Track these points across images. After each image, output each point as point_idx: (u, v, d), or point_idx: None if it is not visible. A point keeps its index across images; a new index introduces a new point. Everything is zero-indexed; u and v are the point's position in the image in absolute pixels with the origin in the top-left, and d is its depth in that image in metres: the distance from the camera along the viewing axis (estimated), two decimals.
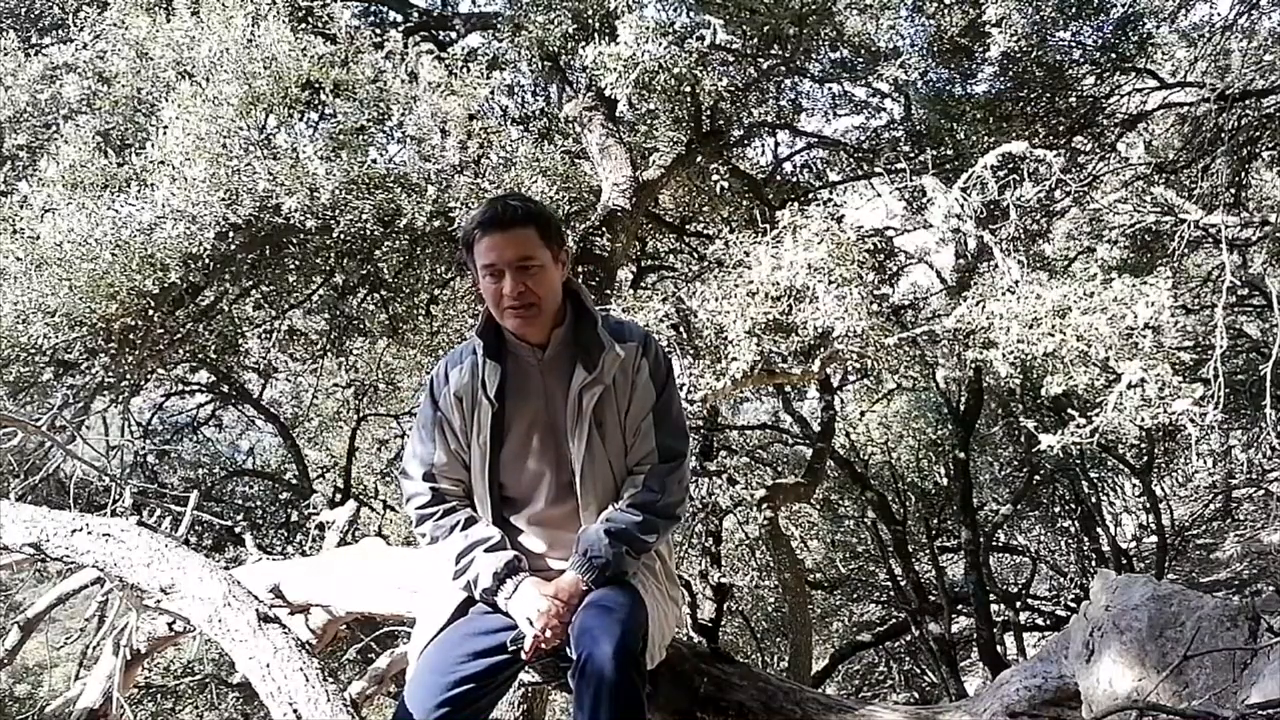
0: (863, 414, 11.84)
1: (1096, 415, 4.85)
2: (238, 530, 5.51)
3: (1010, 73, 6.64)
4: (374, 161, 5.37)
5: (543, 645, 2.02)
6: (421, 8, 7.78)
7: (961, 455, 10.32)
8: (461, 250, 2.15)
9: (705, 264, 6.97)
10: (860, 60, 7.04)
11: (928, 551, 11.78)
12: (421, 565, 2.87)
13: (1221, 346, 5.33)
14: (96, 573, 3.26)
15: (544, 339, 2.14)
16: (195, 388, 8.37)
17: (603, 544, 2.08)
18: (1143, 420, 4.65)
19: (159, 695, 6.85)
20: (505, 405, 2.14)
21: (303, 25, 5.27)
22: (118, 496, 4.29)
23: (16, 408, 4.80)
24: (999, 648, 10.66)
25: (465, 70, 5.18)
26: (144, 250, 4.42)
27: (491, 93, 5.64)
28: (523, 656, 2.03)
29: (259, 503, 9.46)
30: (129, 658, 3.61)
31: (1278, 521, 12.09)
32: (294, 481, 9.03)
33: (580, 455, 2.12)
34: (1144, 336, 4.54)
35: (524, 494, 2.19)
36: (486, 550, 2.11)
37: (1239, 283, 7.68)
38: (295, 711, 2.07)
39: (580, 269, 5.56)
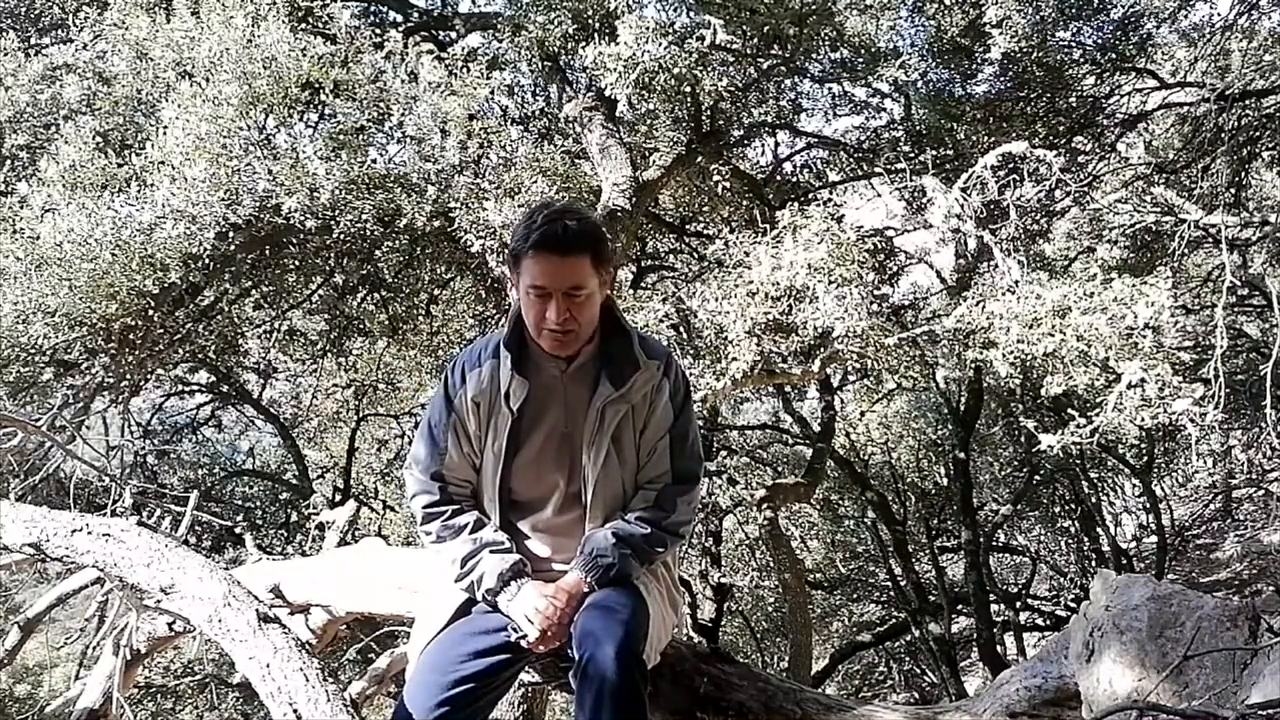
0: (863, 414, 11.84)
1: (1096, 415, 4.85)
2: (238, 530, 5.51)
3: (1010, 73, 6.64)
4: (374, 161, 5.37)
5: (542, 645, 2.02)
6: (421, 8, 7.77)
7: (961, 455, 10.32)
8: (506, 258, 2.11)
9: (705, 264, 6.98)
10: (860, 60, 7.03)
11: (928, 551, 11.78)
12: (421, 565, 2.88)
13: (1221, 346, 5.32)
14: (96, 573, 3.26)
15: (574, 352, 2.12)
16: (195, 388, 8.38)
17: (609, 545, 2.08)
18: (1143, 420, 4.65)
19: (159, 695, 6.84)
20: (524, 414, 2.12)
21: (303, 25, 5.27)
22: (118, 496, 4.29)
23: (16, 408, 4.80)
24: (999, 648, 10.66)
25: (465, 70, 5.17)
26: (144, 250, 4.41)
27: (491, 93, 5.63)
28: (524, 645, 2.02)
29: (259, 503, 9.47)
30: (129, 658, 3.61)
31: (1278, 521, 12.09)
32: (294, 481, 9.04)
33: (595, 468, 2.11)
34: (1144, 336, 4.54)
35: (532, 500, 2.19)
36: (493, 552, 2.10)
37: (1239, 283, 7.68)
38: (295, 711, 2.07)
39: None
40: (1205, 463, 13.66)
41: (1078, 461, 10.70)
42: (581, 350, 2.11)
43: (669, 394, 2.15)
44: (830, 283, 4.97)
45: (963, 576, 11.24)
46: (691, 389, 2.34)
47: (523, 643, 2.03)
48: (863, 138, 8.14)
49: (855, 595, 12.91)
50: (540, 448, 2.14)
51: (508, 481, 2.16)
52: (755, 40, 6.53)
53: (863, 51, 6.95)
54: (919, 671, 12.30)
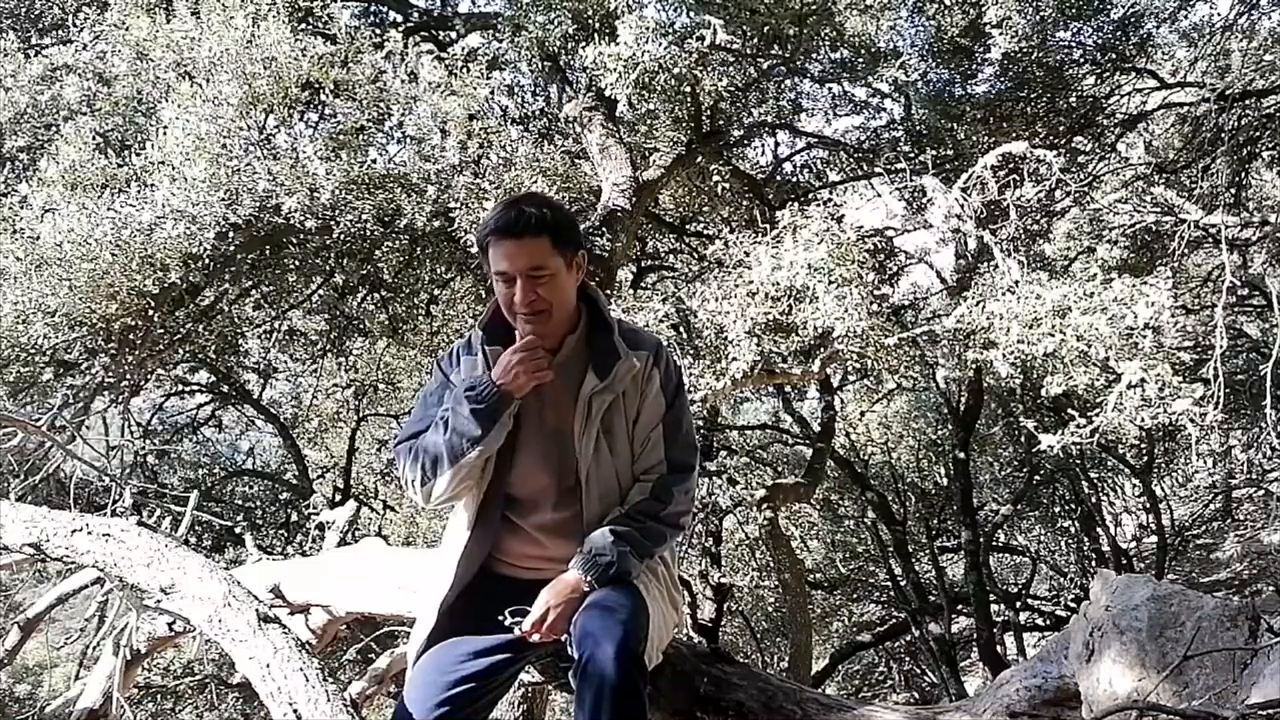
0: (863, 414, 11.84)
1: (1096, 415, 4.85)
2: (238, 530, 5.51)
3: (1010, 73, 6.64)
4: (374, 161, 5.37)
5: (536, 635, 2.02)
6: (421, 8, 7.78)
7: (961, 455, 10.31)
8: (478, 249, 2.13)
9: (705, 264, 6.98)
10: (860, 60, 7.04)
11: (928, 551, 11.78)
12: (421, 565, 2.88)
13: (1221, 346, 5.33)
14: (96, 573, 3.26)
15: (556, 344, 2.13)
16: (195, 388, 8.38)
17: (608, 544, 2.08)
18: (1143, 420, 4.65)
19: (159, 695, 6.84)
20: (516, 409, 2.12)
21: (303, 25, 5.28)
22: (118, 496, 4.29)
23: (16, 408, 4.80)
24: (999, 648, 10.67)
25: (465, 70, 5.17)
26: (144, 250, 4.41)
27: (491, 93, 5.63)
28: (517, 632, 2.02)
29: (259, 503, 9.47)
30: (129, 658, 3.61)
31: (1278, 521, 12.09)
32: (294, 481, 9.04)
33: (587, 461, 2.11)
34: (1144, 336, 4.54)
35: (529, 497, 2.19)
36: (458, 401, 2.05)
37: (1239, 283, 7.68)
38: (295, 711, 2.07)
39: None
40: (1205, 463, 13.65)
41: (1078, 461, 10.70)
42: (564, 342, 2.13)
43: (660, 383, 2.16)
44: (830, 283, 4.97)
45: (963, 576, 11.24)
46: (685, 379, 2.34)
47: (516, 630, 2.02)
48: (863, 138, 8.15)
49: (855, 595, 12.90)
50: (531, 441, 2.14)
51: (504, 479, 2.16)
52: (755, 40, 6.53)
53: (863, 51, 6.95)
54: (919, 671, 12.30)
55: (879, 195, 8.42)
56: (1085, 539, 12.20)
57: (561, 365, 2.13)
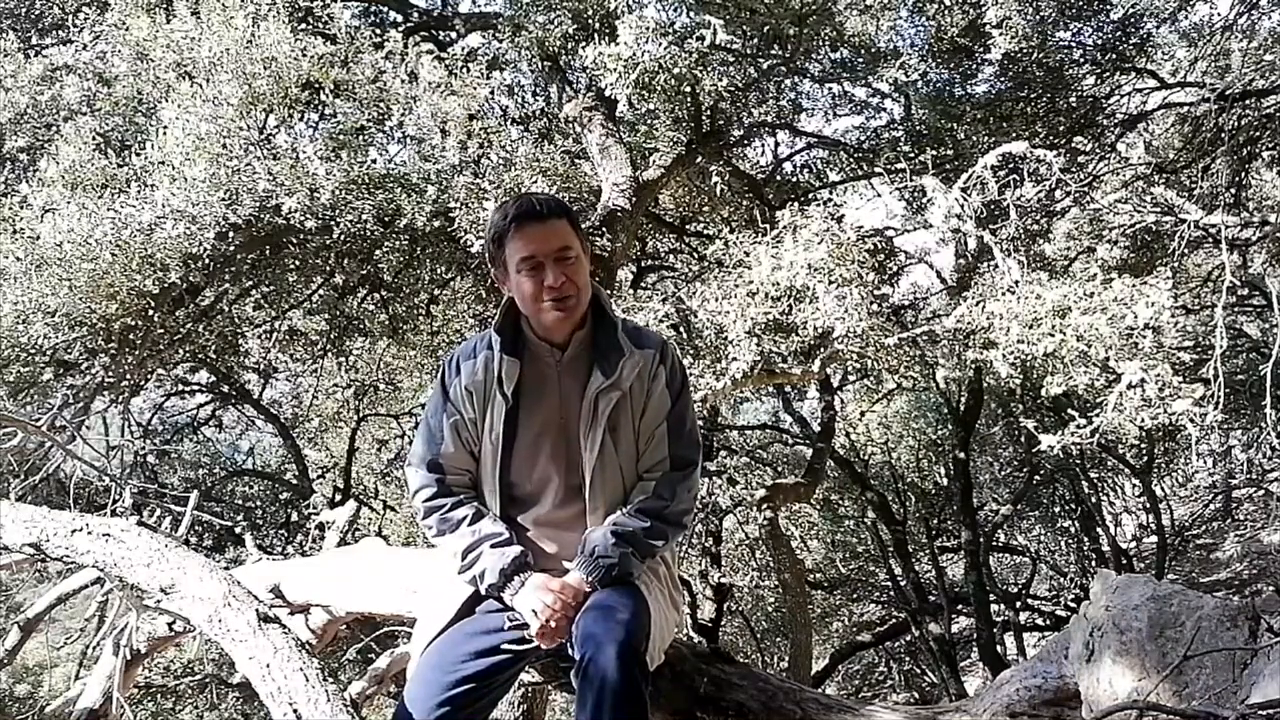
0: (863, 414, 11.85)
1: (1096, 415, 4.85)
2: (238, 530, 5.51)
3: (1010, 73, 6.65)
4: (374, 161, 5.38)
5: (543, 641, 2.02)
6: (421, 8, 7.78)
7: (961, 455, 10.32)
8: (489, 248, 2.13)
9: (705, 264, 6.98)
10: (860, 60, 7.04)
11: (928, 551, 11.79)
12: (421, 565, 2.88)
13: (1221, 346, 5.33)
14: (96, 573, 3.26)
15: (565, 339, 2.14)
16: (195, 388, 8.38)
17: (609, 545, 2.08)
18: (1143, 420, 4.65)
19: (159, 695, 6.84)
20: (519, 403, 2.13)
21: (303, 25, 5.27)
22: (118, 496, 4.29)
23: (16, 408, 4.80)
24: (999, 648, 10.67)
25: (465, 70, 5.17)
26: (144, 250, 4.41)
27: (491, 93, 5.63)
28: (528, 636, 2.02)
29: (259, 503, 9.47)
30: (129, 658, 3.61)
31: (1278, 521, 12.10)
32: (294, 481, 9.04)
33: (592, 460, 2.11)
34: (1144, 336, 4.54)
35: (531, 494, 2.19)
36: (494, 546, 2.10)
37: (1239, 283, 7.67)
38: (295, 711, 2.07)
39: None
40: (1205, 463, 13.67)
41: (1078, 461, 10.71)
42: (573, 338, 2.14)
43: (665, 381, 2.17)
44: (830, 283, 4.97)
45: (963, 576, 11.25)
46: (689, 377, 2.35)
47: (525, 633, 2.03)
48: (863, 138, 8.15)
49: (855, 595, 12.91)
50: (535, 438, 2.15)
51: (507, 475, 2.16)
52: (755, 40, 6.53)
53: (863, 51, 6.96)
54: (919, 671, 12.30)
55: (879, 195, 8.43)
56: (1085, 539, 12.22)
57: (569, 363, 2.14)
